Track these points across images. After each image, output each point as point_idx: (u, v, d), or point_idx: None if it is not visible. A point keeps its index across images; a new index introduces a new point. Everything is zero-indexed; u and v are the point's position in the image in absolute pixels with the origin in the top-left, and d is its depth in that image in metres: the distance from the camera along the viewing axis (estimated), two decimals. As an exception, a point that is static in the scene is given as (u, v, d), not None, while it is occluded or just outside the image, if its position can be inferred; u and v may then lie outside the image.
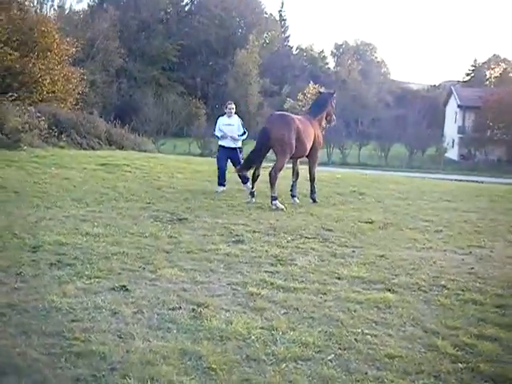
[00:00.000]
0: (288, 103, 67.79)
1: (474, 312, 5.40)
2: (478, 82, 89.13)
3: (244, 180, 12.90)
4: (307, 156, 12.02)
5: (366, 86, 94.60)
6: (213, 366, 4.00)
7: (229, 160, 13.05)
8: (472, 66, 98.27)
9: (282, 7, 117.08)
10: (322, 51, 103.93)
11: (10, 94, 21.86)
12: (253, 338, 4.52)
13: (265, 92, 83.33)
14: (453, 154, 61.60)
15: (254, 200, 11.39)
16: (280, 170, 11.34)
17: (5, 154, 16.34)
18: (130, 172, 15.06)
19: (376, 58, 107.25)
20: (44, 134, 19.82)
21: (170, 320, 4.81)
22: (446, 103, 72.74)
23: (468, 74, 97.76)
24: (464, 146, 60.78)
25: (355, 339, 4.63)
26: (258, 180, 11.65)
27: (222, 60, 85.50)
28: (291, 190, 11.96)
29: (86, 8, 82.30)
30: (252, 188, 11.59)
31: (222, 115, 13.41)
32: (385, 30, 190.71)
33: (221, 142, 13.15)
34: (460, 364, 4.28)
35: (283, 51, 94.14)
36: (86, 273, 5.93)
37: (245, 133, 13.13)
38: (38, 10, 44.05)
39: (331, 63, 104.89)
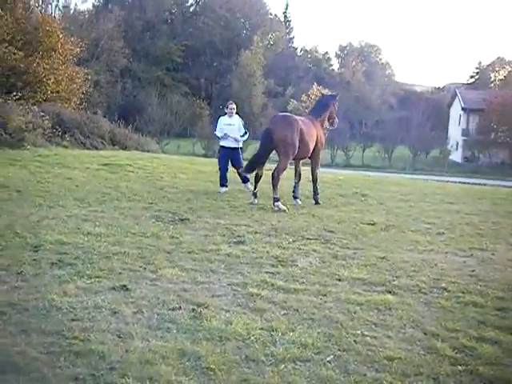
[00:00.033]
0: (292, 104, 67.72)
1: (474, 314, 5.40)
2: (482, 84, 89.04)
3: (244, 180, 12.93)
4: (309, 157, 12.03)
5: (370, 87, 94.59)
6: (212, 366, 4.01)
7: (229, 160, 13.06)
8: (476, 68, 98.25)
9: (287, 8, 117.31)
10: (327, 53, 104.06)
11: (14, 93, 21.90)
12: (252, 338, 4.53)
13: (269, 93, 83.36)
14: (457, 156, 61.50)
15: (256, 201, 11.39)
16: (283, 171, 11.34)
17: (8, 153, 16.39)
18: (132, 172, 15.08)
19: (380, 59, 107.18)
20: (47, 133, 19.86)
21: (169, 320, 4.82)
22: (450, 105, 72.65)
23: (472, 77, 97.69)
24: (468, 149, 60.65)
25: (354, 341, 4.63)
26: (261, 181, 11.65)
27: (226, 61, 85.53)
28: (293, 192, 11.97)
29: (91, 8, 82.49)
30: (255, 189, 11.59)
31: (223, 115, 13.42)
32: (389, 31, 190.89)
33: (222, 143, 13.16)
34: (459, 366, 4.28)
35: (287, 52, 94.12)
36: (87, 272, 5.94)
37: (246, 133, 13.15)
38: (43, 10, 43.97)
39: (335, 65, 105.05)
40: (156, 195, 11.54)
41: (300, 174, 12.17)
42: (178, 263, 6.57)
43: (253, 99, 78.20)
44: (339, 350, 4.45)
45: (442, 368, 4.23)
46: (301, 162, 12.25)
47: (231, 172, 13.17)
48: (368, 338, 4.69)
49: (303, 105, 64.25)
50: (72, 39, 32.38)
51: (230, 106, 13.27)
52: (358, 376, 4.03)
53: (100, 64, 69.95)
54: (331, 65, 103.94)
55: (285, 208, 10.83)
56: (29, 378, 3.71)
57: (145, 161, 17.91)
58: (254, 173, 11.67)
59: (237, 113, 13.40)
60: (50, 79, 28.22)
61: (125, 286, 5.58)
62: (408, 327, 5.01)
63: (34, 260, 6.29)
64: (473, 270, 7.02)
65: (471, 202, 13.74)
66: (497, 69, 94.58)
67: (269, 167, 12.13)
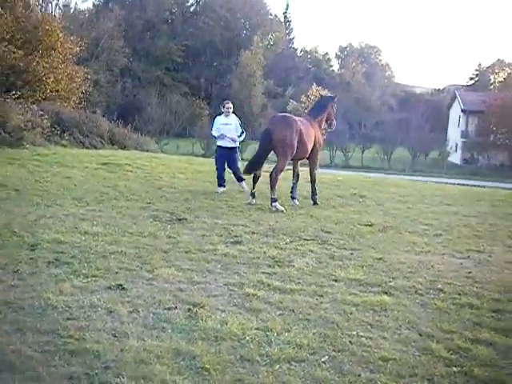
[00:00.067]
0: (291, 105, 67.74)
1: (469, 316, 5.40)
2: (482, 86, 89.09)
3: (239, 179, 12.95)
4: (308, 158, 12.04)
5: (369, 88, 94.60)
6: (206, 366, 4.02)
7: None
8: (476, 70, 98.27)
9: (287, 9, 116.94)
10: (327, 53, 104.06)
11: (14, 92, 21.90)
12: (247, 338, 4.54)
13: (268, 93, 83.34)
14: (456, 158, 61.53)
15: (254, 201, 11.39)
16: (281, 171, 11.35)
17: (7, 151, 16.39)
18: (131, 172, 15.08)
19: (380, 60, 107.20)
20: (46, 132, 19.85)
21: (165, 319, 4.82)
22: (449, 107, 72.67)
23: (472, 78, 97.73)
24: (467, 151, 60.65)
25: (350, 341, 4.63)
26: (259, 181, 11.65)
27: (226, 61, 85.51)
28: (291, 192, 11.97)
29: (91, 7, 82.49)
30: (253, 189, 11.59)
31: (220, 114, 13.42)
32: (389, 33, 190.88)
33: (219, 143, 13.17)
34: (454, 368, 4.29)
35: (288, 53, 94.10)
36: (83, 271, 5.95)
37: (243, 132, 13.15)
38: (43, 9, 43.98)
39: (335, 66, 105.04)
40: (154, 195, 11.54)
41: (298, 175, 12.18)
42: (174, 263, 6.57)
43: (252, 99, 78.17)
44: (334, 350, 4.46)
45: (436, 369, 4.24)
46: (299, 162, 12.25)
47: (229, 172, 13.17)
48: (363, 339, 4.70)
49: (302, 105, 64.27)
50: (72, 38, 32.37)
51: (226, 106, 13.26)
52: (353, 376, 4.04)
53: (100, 63, 69.93)
54: (331, 66, 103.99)
55: (282, 208, 10.83)
56: (24, 376, 3.72)
57: (143, 160, 17.91)
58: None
59: (233, 112, 13.39)
60: (50, 78, 28.19)
61: (121, 285, 5.58)
62: (403, 328, 5.02)
63: (31, 259, 6.30)
64: (469, 272, 7.03)
65: (469, 204, 13.74)
66: (496, 71, 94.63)
67: (266, 168, 12.13)
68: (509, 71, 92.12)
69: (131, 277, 5.93)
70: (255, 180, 11.60)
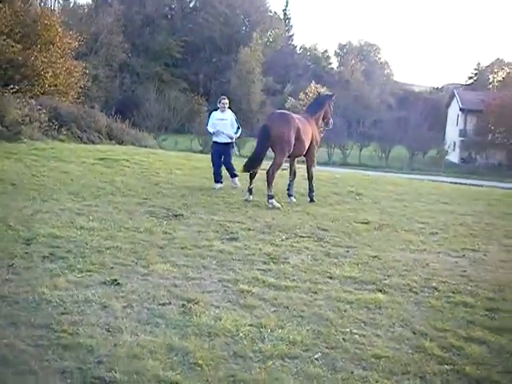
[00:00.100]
0: (290, 102, 67.67)
1: (463, 314, 5.42)
2: (480, 85, 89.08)
3: (232, 175, 12.95)
4: (305, 155, 12.04)
5: (368, 86, 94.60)
6: (199, 361, 4.02)
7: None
8: (475, 69, 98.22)
9: (287, 6, 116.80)
10: (326, 51, 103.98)
11: (12, 86, 21.88)
12: (241, 334, 4.54)
13: (267, 90, 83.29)
14: (454, 156, 61.58)
15: (251, 197, 11.37)
16: (278, 168, 11.36)
17: (4, 146, 16.39)
18: (128, 167, 15.06)
19: (379, 58, 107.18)
20: (44, 126, 19.87)
21: (159, 315, 4.83)
22: (448, 106, 72.67)
23: (471, 78, 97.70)
24: (465, 149, 60.71)
25: (343, 339, 4.64)
26: (256, 178, 11.64)
27: (225, 57, 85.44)
28: (288, 190, 11.97)
29: (91, 2, 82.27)
30: (250, 185, 11.57)
31: (216, 110, 13.42)
32: (389, 31, 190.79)
33: (215, 138, 13.17)
34: (446, 366, 4.30)
35: (287, 50, 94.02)
36: (78, 266, 5.95)
37: (239, 128, 13.15)
38: (42, 3, 43.85)
39: (334, 63, 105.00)
40: (151, 190, 11.53)
41: (295, 172, 12.18)
42: (169, 259, 6.58)
43: (251, 96, 78.12)
44: (327, 347, 4.47)
45: (429, 367, 4.25)
46: (296, 160, 12.26)
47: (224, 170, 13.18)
48: (357, 336, 4.71)
49: (301, 103, 64.22)
50: (71, 33, 32.37)
51: (222, 101, 13.26)
52: (346, 374, 4.05)
53: (99, 58, 69.83)
54: (330, 63, 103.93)
55: (279, 205, 10.84)
56: (16, 370, 3.72)
57: (141, 156, 17.89)
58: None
59: (229, 108, 13.39)
60: (48, 73, 28.17)
61: (116, 280, 5.58)
62: (397, 326, 5.03)
63: (26, 253, 6.30)
64: (464, 271, 7.04)
65: (466, 203, 13.76)
66: (495, 70, 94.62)
67: (264, 165, 12.11)
68: (508, 71, 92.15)
69: (126, 272, 5.93)
70: (252, 176, 11.59)
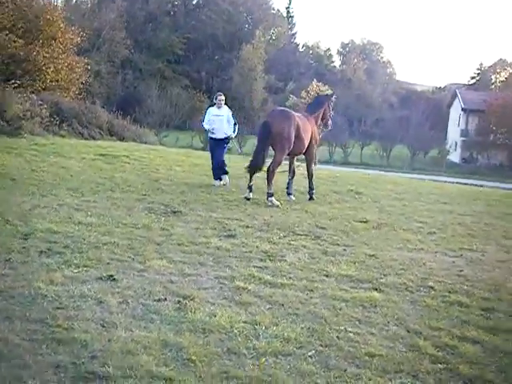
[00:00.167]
0: (291, 100, 67.61)
1: (458, 314, 5.43)
2: (483, 85, 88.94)
3: (223, 171, 12.92)
4: (304, 153, 12.04)
5: (370, 85, 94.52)
6: (193, 357, 4.04)
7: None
8: (478, 69, 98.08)
9: (290, 4, 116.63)
10: (328, 49, 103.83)
11: (13, 81, 21.87)
12: (235, 331, 4.56)
13: (269, 88, 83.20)
14: (455, 156, 61.49)
15: (251, 195, 11.34)
16: (278, 165, 11.36)
17: (5, 140, 16.38)
18: (128, 163, 15.08)
19: (382, 57, 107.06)
20: (45, 122, 19.85)
21: (154, 311, 4.84)
22: (449, 106, 72.53)
23: (473, 78, 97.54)
24: (466, 150, 60.62)
25: (337, 336, 4.66)
26: (255, 175, 11.61)
27: (227, 54, 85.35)
28: (287, 188, 11.98)
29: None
30: (250, 182, 11.53)
31: (212, 106, 13.44)
32: (392, 30, 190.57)
33: (210, 135, 13.17)
34: (440, 364, 4.32)
35: (289, 48, 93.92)
36: (75, 261, 5.96)
37: (235, 124, 13.14)
38: (45, -1, 43.84)
39: (337, 62, 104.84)
40: (150, 187, 11.54)
41: (294, 171, 12.19)
42: (166, 255, 6.59)
43: (253, 94, 78.06)
44: (321, 345, 4.48)
45: (422, 366, 4.26)
46: (295, 158, 12.27)
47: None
48: (351, 334, 4.72)
49: (302, 101, 64.18)
50: (73, 28, 32.33)
51: (218, 98, 13.28)
52: (338, 371, 4.06)
53: (101, 54, 69.75)
54: (333, 62, 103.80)
55: (278, 203, 10.84)
56: (10, 364, 3.73)
57: (141, 152, 17.91)
58: (248, 164, 11.58)
59: (226, 104, 13.41)
60: (50, 68, 28.19)
61: (112, 276, 5.60)
62: (392, 325, 5.04)
63: (24, 248, 6.31)
64: (461, 270, 7.05)
65: (465, 203, 13.76)
66: (498, 70, 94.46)
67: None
68: (510, 71, 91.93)
69: (123, 268, 5.95)
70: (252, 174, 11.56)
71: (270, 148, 11.53)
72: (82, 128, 22.21)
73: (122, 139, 23.61)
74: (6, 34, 26.67)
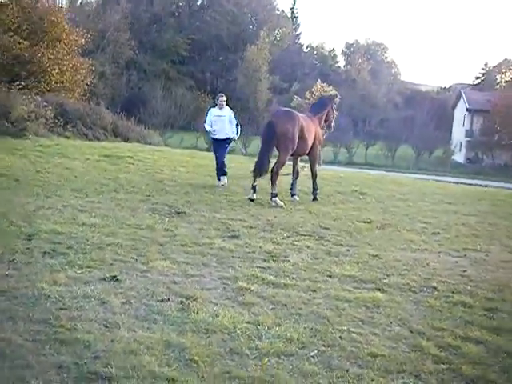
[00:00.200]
0: (295, 101, 67.56)
1: (462, 314, 5.43)
2: (488, 85, 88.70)
3: (223, 172, 12.92)
4: (308, 154, 12.05)
5: (375, 85, 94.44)
6: (195, 357, 4.04)
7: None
8: (483, 69, 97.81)
9: (294, 4, 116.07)
10: (333, 50, 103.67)
11: (18, 82, 21.90)
12: (238, 332, 4.56)
13: (274, 89, 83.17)
14: (460, 157, 61.43)
15: (255, 195, 11.30)
16: (282, 166, 11.36)
17: (10, 142, 16.43)
18: (132, 164, 15.09)
19: (386, 58, 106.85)
20: (50, 123, 19.87)
21: (157, 311, 4.85)
22: (454, 106, 72.42)
23: (478, 78, 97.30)
24: (471, 150, 60.56)
25: (340, 337, 4.66)
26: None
27: (232, 55, 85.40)
28: (291, 189, 11.99)
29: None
30: (254, 182, 11.50)
31: (214, 106, 13.48)
32: (396, 30, 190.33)
33: (213, 135, 13.19)
34: (442, 365, 4.31)
35: (294, 49, 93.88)
36: (79, 262, 5.98)
37: (238, 125, 13.15)
38: (50, 0, 43.94)
39: (341, 62, 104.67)
40: (154, 188, 11.56)
41: (298, 172, 12.20)
42: (170, 256, 6.60)
43: (258, 94, 78.06)
44: (324, 345, 4.48)
45: (424, 366, 4.26)
46: (299, 158, 12.27)
47: (228, 168, 13.17)
48: (354, 335, 4.72)
49: (307, 101, 64.15)
50: (77, 30, 32.34)
51: (220, 99, 13.30)
52: (341, 371, 4.06)
53: (106, 56, 69.90)
54: (337, 62, 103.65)
55: (282, 204, 10.85)
56: (13, 364, 3.75)
57: (146, 153, 17.92)
58: (254, 167, 11.56)
59: (227, 104, 13.43)
60: (55, 69, 28.20)
61: (115, 276, 5.61)
62: (395, 325, 5.04)
63: (27, 249, 6.33)
64: (464, 271, 7.04)
65: (470, 203, 13.73)
66: (503, 70, 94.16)
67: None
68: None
69: (126, 268, 5.96)
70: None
71: (274, 149, 11.53)
72: (86, 129, 22.22)
73: (126, 140, 23.62)
74: (11, 36, 26.72)
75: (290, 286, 5.83)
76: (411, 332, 4.90)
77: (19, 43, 26.68)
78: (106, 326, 4.45)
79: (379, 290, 5.97)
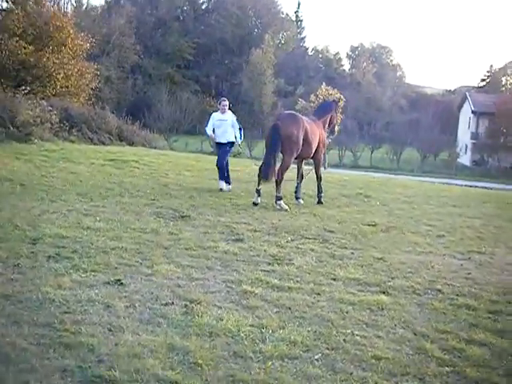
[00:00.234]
0: (300, 104, 67.59)
1: (466, 317, 5.41)
2: (493, 88, 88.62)
3: (221, 177, 12.91)
4: (312, 157, 12.05)
5: (380, 88, 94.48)
6: (199, 361, 4.04)
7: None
8: (488, 71, 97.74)
9: (299, 8, 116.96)
10: (338, 53, 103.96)
11: (24, 87, 22.04)
12: (242, 335, 4.56)
13: (279, 92, 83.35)
14: (465, 159, 61.38)
15: (259, 199, 11.29)
16: (286, 169, 11.35)
17: (15, 146, 16.48)
18: (138, 168, 15.13)
19: (391, 61, 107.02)
20: (55, 127, 19.95)
21: (161, 315, 4.85)
22: (460, 108, 72.40)
23: (483, 80, 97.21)
24: (477, 152, 60.52)
25: (344, 340, 4.65)
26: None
27: (237, 59, 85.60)
28: (295, 192, 11.99)
29: (104, 3, 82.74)
30: (258, 186, 11.49)
31: (216, 111, 13.50)
32: (401, 33, 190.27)
33: (216, 139, 13.20)
34: (446, 367, 4.30)
35: (298, 52, 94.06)
36: (83, 266, 5.99)
37: (240, 129, 13.16)
38: (55, 5, 44.07)
39: (346, 65, 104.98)
40: (159, 192, 11.57)
41: (302, 175, 12.20)
42: (174, 259, 6.61)
43: (263, 98, 78.24)
44: (328, 348, 4.47)
45: (429, 369, 4.25)
46: (303, 162, 12.28)
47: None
48: (358, 338, 4.71)
49: (311, 105, 64.17)
50: (82, 34, 32.49)
51: (222, 103, 13.32)
52: (345, 375, 4.06)
53: (111, 60, 70.24)
54: (342, 65, 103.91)
55: (286, 207, 10.85)
56: (17, 368, 3.75)
57: (151, 157, 17.97)
58: (259, 171, 11.55)
59: (230, 109, 13.44)
60: (60, 74, 28.35)
61: (119, 280, 5.61)
62: (399, 328, 5.03)
63: (32, 253, 6.34)
64: (469, 273, 7.03)
65: (475, 206, 13.71)
66: (508, 73, 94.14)
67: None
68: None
69: (130, 272, 5.97)
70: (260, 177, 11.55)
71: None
72: (91, 133, 22.30)
73: (131, 144, 23.71)
74: (17, 41, 26.90)
75: (294, 289, 5.82)
76: (415, 335, 4.89)
77: (24, 48, 26.88)
78: (110, 330, 4.46)
79: (383, 292, 5.96)
